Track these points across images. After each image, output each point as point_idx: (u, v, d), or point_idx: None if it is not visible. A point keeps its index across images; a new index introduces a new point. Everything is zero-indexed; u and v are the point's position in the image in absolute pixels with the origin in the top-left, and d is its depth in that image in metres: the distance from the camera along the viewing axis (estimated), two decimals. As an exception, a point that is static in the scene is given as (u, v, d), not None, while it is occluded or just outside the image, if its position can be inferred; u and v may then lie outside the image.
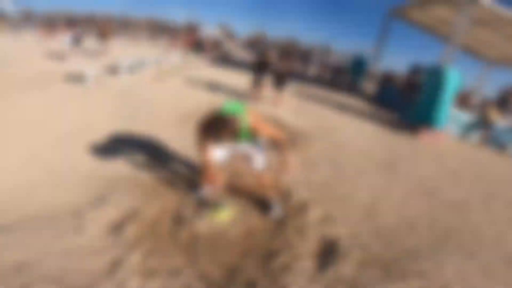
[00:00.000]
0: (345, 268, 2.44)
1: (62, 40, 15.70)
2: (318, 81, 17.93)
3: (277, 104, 8.14)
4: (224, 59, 20.26)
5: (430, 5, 11.50)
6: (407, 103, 10.54)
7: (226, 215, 2.94)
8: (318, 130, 6.49)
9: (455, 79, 7.94)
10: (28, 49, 13.12)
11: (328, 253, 2.63)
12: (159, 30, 36.98)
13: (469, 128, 9.67)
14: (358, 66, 16.59)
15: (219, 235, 2.73)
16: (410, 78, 12.85)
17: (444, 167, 5.83)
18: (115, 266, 2.19)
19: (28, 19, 31.16)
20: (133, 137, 4.55)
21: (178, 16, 31.75)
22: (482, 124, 9.35)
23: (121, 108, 5.80)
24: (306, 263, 2.45)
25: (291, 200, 3.42)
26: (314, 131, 6.38)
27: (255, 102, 7.99)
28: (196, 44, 21.94)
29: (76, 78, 7.35)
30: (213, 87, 9.35)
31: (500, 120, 9.56)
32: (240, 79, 11.63)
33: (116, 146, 4.16)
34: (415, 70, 13.11)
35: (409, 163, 5.63)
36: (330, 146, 5.56)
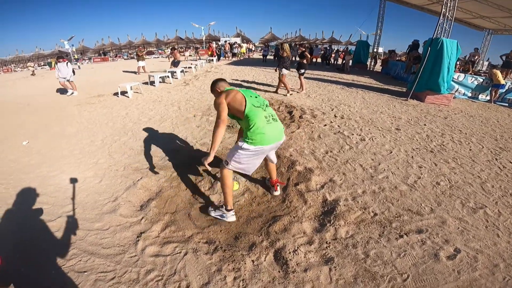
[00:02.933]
0: (342, 228, 2.21)
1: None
2: (327, 66, 17.09)
3: (300, 88, 7.83)
4: (241, 61, 20.05)
5: None
6: (410, 74, 9.81)
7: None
8: (326, 107, 6.10)
9: (453, 48, 7.16)
10: (85, 76, 13.86)
11: (327, 214, 2.41)
12: (186, 44, 37.80)
13: (478, 89, 8.75)
14: (363, 50, 15.59)
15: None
16: (410, 52, 11.74)
17: (450, 126, 5.19)
18: (138, 237, 2.21)
19: (84, 53, 33.43)
20: (161, 135, 4.57)
21: (200, 31, 31.76)
22: (491, 85, 8.35)
23: (154, 110, 5.86)
24: (304, 225, 2.26)
25: (295, 168, 3.21)
26: (322, 108, 6.01)
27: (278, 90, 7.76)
28: (217, 51, 21.94)
29: (122, 91, 7.58)
30: (232, 83, 9.21)
31: (507, 81, 8.50)
32: (255, 73, 11.37)
33: (148, 141, 4.20)
34: (414, 45, 11.92)
35: (414, 125, 5.08)
36: (336, 120, 5.19)
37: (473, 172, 3.29)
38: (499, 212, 2.47)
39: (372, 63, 16.49)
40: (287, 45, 7.69)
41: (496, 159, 3.72)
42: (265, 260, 1.92)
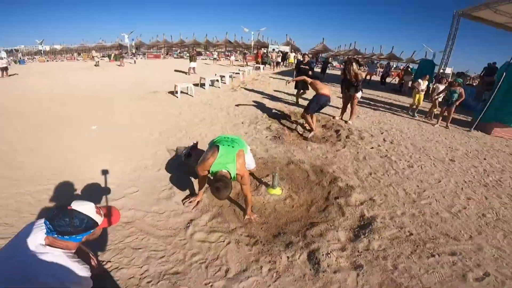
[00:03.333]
0: (376, 241, 2.52)
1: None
2: (383, 85, 16.83)
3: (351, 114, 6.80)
4: (289, 71, 20.63)
5: (498, 4, 9.94)
6: (480, 102, 9.33)
7: (277, 192, 3.29)
8: (375, 130, 6.29)
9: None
10: (141, 73, 15.70)
11: (363, 228, 2.73)
12: (234, 48, 39.82)
13: None
14: (426, 70, 15.06)
15: (271, 207, 3.08)
16: (485, 77, 11.14)
17: (514, 164, 5.04)
18: (189, 224, 2.74)
19: (139, 47, 37.34)
20: (212, 137, 5.23)
21: (249, 35, 33.50)
22: None
23: (205, 113, 6.64)
24: (340, 233, 2.62)
25: (337, 184, 3.56)
26: (371, 130, 6.21)
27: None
28: (263, 58, 22.88)
29: (176, 91, 8.64)
30: (275, 92, 9.82)
31: None
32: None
33: (201, 141, 4.88)
34: (490, 69, 11.28)
35: (472, 158, 5.04)
36: (384, 144, 5.38)
37: (526, 210, 3.31)
38: None
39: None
40: (356, 64, 6.37)
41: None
42: (299, 258, 2.32)
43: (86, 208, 1.37)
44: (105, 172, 3.65)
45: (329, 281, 2.10)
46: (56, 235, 1.30)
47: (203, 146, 4.55)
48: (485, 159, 5.11)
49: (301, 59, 8.45)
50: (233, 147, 2.66)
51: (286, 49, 29.29)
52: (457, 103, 7.15)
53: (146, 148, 4.49)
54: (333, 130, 6.00)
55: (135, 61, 24.43)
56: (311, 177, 3.80)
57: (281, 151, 4.59)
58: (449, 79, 15.01)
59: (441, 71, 15.55)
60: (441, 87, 8.03)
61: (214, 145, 2.70)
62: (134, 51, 31.70)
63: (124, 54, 25.15)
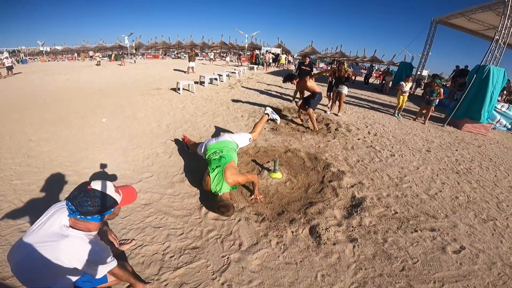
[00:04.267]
0: (367, 218, 2.67)
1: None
2: (366, 85, 17.11)
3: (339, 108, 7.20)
4: (281, 71, 20.71)
5: (472, 12, 10.26)
6: (453, 101, 9.68)
7: (278, 176, 3.39)
8: (361, 124, 6.46)
9: (499, 77, 7.07)
10: (142, 71, 15.43)
11: (355, 207, 2.87)
12: (228, 50, 39.48)
13: None
14: (405, 72, 15.37)
15: (273, 189, 3.18)
16: (458, 78, 11.50)
17: (482, 154, 5.30)
18: (202, 204, 2.82)
19: (138, 48, 36.48)
20: (216, 128, 5.28)
21: (243, 38, 33.29)
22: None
23: (207, 107, 6.66)
24: (336, 211, 2.75)
25: (330, 169, 3.69)
26: (357, 124, 6.39)
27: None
28: (257, 59, 22.88)
29: (174, 88, 8.59)
30: (270, 90, 9.88)
31: None
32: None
33: (205, 131, 4.92)
34: (462, 71, 11.66)
35: (445, 149, 5.28)
36: (369, 136, 5.55)
37: (492, 193, 3.56)
38: (508, 225, 2.80)
39: (413, 86, 16.20)
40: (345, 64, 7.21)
41: (520, 187, 3.89)
42: (302, 232, 2.44)
43: (105, 187, 1.33)
44: (119, 159, 3.68)
45: (330, 252, 2.22)
46: (78, 216, 1.26)
47: (208, 136, 4.63)
48: (457, 150, 5.35)
49: (303, 60, 8.57)
50: (219, 166, 2.77)
51: (278, 51, 29.24)
52: (436, 100, 7.40)
53: (156, 138, 4.51)
54: (324, 123, 6.14)
55: (135, 61, 23.96)
56: (307, 164, 3.92)
57: (279, 141, 4.69)
58: (425, 81, 15.41)
59: (419, 73, 15.93)
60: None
61: (207, 169, 2.85)
62: (133, 51, 31.03)
63: (124, 54, 24.62)
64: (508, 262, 2.25)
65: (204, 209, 2.73)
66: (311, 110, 5.43)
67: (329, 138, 5.09)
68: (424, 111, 7.69)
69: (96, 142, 4.20)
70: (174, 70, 15.98)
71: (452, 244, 2.39)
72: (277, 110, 6.90)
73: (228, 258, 2.10)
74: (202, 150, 3.24)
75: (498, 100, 8.21)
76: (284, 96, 9.09)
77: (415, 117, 7.97)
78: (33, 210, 2.52)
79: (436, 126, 7.41)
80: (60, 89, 8.61)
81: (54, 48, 37.24)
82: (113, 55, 26.57)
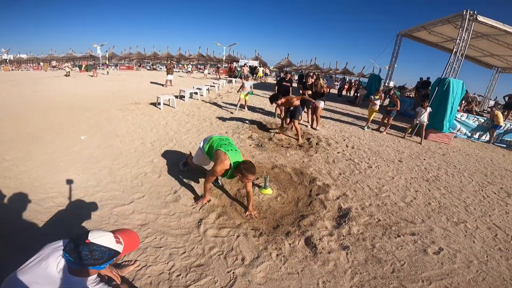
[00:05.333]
0: (354, 227, 2.93)
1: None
2: (339, 97, 18.10)
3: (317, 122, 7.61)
4: (259, 84, 21.26)
5: (433, 26, 11.44)
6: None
7: (269, 191, 3.58)
8: (339, 137, 6.91)
9: (459, 88, 7.93)
10: (117, 82, 15.03)
11: (342, 217, 3.13)
12: (206, 62, 39.69)
13: (478, 130, 9.52)
14: (374, 83, 16.53)
15: (266, 205, 3.35)
16: (421, 89, 12.70)
17: (447, 162, 5.94)
18: (200, 222, 2.89)
19: (111, 59, 35.40)
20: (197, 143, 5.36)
21: (221, 50, 33.86)
22: (491, 125, 9.12)
23: (190, 123, 6.72)
24: (326, 222, 2.99)
25: (316, 183, 3.96)
26: (335, 138, 6.82)
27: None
28: (235, 72, 23.36)
29: (154, 102, 8.54)
30: (250, 105, 10.17)
31: (506, 122, 9.28)
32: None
33: (192, 149, 4.98)
34: (425, 83, 12.90)
35: (415, 159, 5.84)
36: (347, 149, 5.97)
37: (459, 198, 4.06)
38: (477, 226, 3.24)
39: (382, 99, 17.37)
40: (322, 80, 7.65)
41: (482, 190, 4.50)
42: (298, 244, 2.63)
43: (105, 240, 1.26)
44: (106, 179, 3.63)
45: (326, 260, 2.43)
46: (77, 267, 1.23)
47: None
48: (424, 159, 5.94)
49: (283, 76, 8.89)
50: (236, 150, 3.07)
51: (255, 63, 30.00)
52: (392, 110, 8.06)
53: (142, 157, 4.49)
54: (305, 138, 6.48)
55: (108, 72, 23.23)
56: (294, 178, 4.15)
57: (265, 157, 4.90)
58: (391, 92, 16.67)
59: (386, 84, 17.20)
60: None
61: (218, 150, 3.02)
62: (106, 62, 30.09)
63: (96, 65, 23.82)
64: (483, 260, 2.64)
65: (202, 227, 2.81)
66: (297, 122, 5.76)
67: (311, 153, 5.41)
68: (385, 121, 8.39)
69: (77, 162, 4.10)
70: (151, 82, 15.80)
71: (431, 246, 2.73)
72: (261, 125, 7.16)
73: (233, 273, 2.22)
74: (205, 142, 3.40)
75: (457, 110, 9.16)
76: (265, 111, 9.41)
77: (378, 126, 8.64)
78: (22, 235, 2.45)
79: (405, 137, 8.06)
80: (29, 102, 8.19)
81: (18, 56, 35.03)
82: (83, 66, 25.54)
